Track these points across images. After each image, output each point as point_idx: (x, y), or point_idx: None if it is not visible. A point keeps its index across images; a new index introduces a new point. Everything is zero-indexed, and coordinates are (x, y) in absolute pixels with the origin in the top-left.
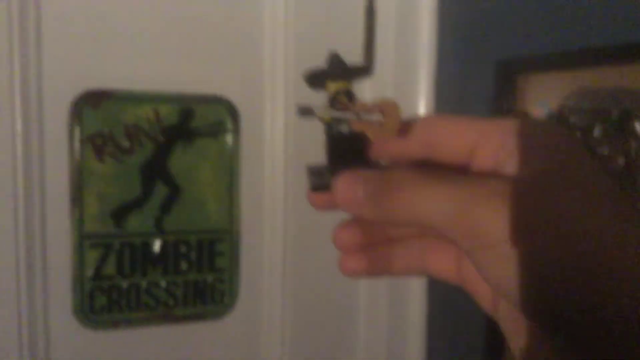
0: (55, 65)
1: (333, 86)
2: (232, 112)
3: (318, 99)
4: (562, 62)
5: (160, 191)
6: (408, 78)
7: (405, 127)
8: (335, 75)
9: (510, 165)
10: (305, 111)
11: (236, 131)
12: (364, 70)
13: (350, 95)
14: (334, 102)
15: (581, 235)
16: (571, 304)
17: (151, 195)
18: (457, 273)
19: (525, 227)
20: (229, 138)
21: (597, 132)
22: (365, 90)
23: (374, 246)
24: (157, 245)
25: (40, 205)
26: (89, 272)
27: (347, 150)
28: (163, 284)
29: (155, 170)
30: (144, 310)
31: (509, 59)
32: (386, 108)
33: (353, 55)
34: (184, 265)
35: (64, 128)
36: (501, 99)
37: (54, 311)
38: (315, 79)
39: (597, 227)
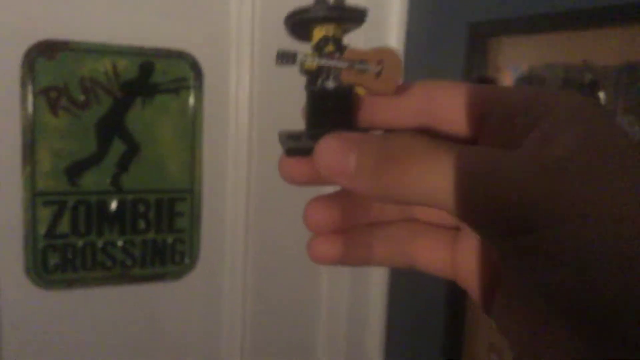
0: (7, 13)
1: (319, 32)
2: (195, 68)
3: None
4: (535, 25)
5: (118, 148)
6: (377, 39)
7: (400, 90)
8: (323, 18)
9: (529, 142)
10: (287, 57)
11: (199, 88)
12: (358, 12)
13: (339, 45)
14: (319, 50)
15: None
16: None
17: (108, 153)
18: (451, 265)
19: (568, 214)
20: (191, 95)
21: None
22: None
23: (351, 229)
24: (113, 204)
25: None
26: (42, 230)
27: (331, 111)
28: (120, 243)
29: (112, 127)
30: (100, 270)
31: (481, 22)
32: (385, 57)
33: None
34: (142, 225)
35: (16, 80)
36: (472, 62)
37: (5, 270)
38: (300, 24)
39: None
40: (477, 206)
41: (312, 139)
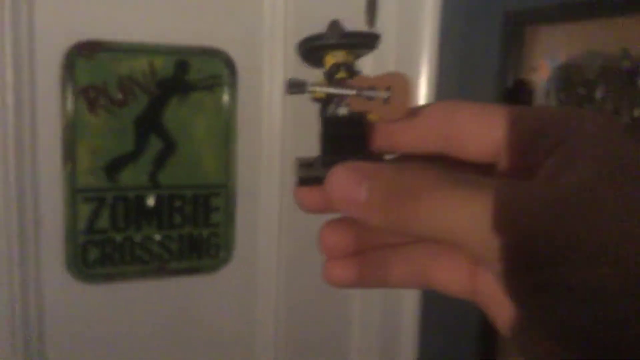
0: (47, 14)
1: (331, 58)
2: (230, 65)
3: (314, 75)
4: (572, 13)
5: (155, 145)
6: (412, 30)
7: (417, 112)
8: (334, 45)
9: (547, 168)
10: (297, 86)
11: (233, 85)
12: (370, 39)
13: (351, 70)
14: (331, 77)
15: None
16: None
17: (145, 149)
18: (470, 287)
19: (578, 250)
20: (225, 92)
21: (602, 88)
22: None
23: (367, 251)
24: (151, 199)
25: (32, 159)
26: (82, 225)
27: (345, 138)
28: (157, 237)
29: (149, 124)
30: (138, 264)
31: (517, 10)
32: (394, 83)
33: (356, 22)
34: (178, 220)
35: (57, 80)
36: (508, 52)
37: (47, 265)
38: (311, 51)
39: None
40: (487, 243)
41: (325, 166)
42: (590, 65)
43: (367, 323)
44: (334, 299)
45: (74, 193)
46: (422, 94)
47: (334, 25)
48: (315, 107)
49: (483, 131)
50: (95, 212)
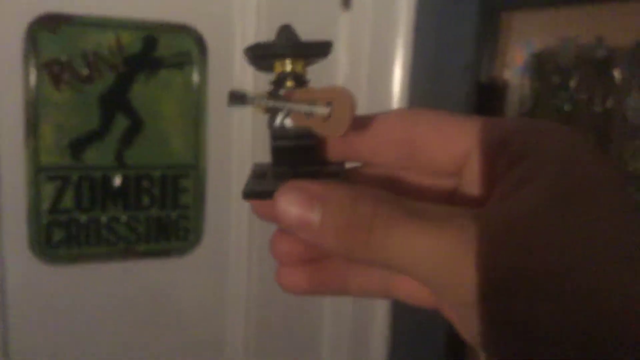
0: None
1: (279, 67)
2: (200, 42)
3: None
4: (548, 0)
5: (121, 123)
6: (386, 13)
7: (377, 120)
8: (282, 55)
9: (501, 188)
10: (237, 98)
11: (203, 63)
12: (320, 48)
13: (299, 79)
14: (278, 85)
15: (592, 298)
16: None
17: (111, 128)
18: (434, 297)
19: (521, 285)
20: (195, 70)
21: (576, 76)
22: (342, 25)
23: (323, 259)
24: (117, 180)
25: None
26: (46, 205)
27: (296, 149)
28: (124, 219)
29: (115, 101)
30: (104, 246)
31: None
32: (336, 98)
33: (331, 3)
34: (146, 201)
35: (19, 54)
36: (484, 37)
37: (9, 245)
38: (259, 58)
39: (612, 287)
40: (433, 279)
41: (275, 179)
42: (565, 53)
43: (340, 300)
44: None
45: (37, 171)
46: (397, 77)
47: (285, 31)
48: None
49: (444, 143)
50: (60, 191)
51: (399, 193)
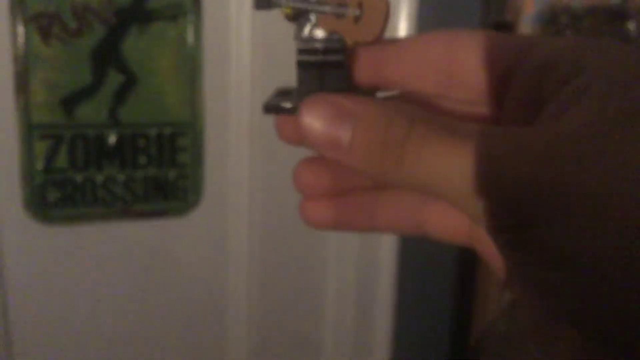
0: None
1: None
2: None
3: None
4: None
5: (114, 79)
6: None
7: (411, 42)
8: None
9: (549, 109)
10: (263, 1)
11: (197, 15)
12: None
13: None
14: None
15: None
16: None
17: (104, 83)
18: (468, 232)
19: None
20: (189, 22)
21: (588, 22)
22: None
23: (349, 191)
24: (112, 138)
25: None
26: (39, 164)
27: (323, 67)
28: (121, 178)
29: (107, 56)
30: (100, 206)
31: None
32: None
33: None
34: (142, 160)
35: (4, 7)
36: None
37: (3, 205)
38: None
39: None
40: (469, 200)
41: (300, 97)
42: (574, 7)
43: (344, 261)
44: (308, 240)
45: (29, 129)
46: (403, 27)
47: None
48: (286, 35)
49: (486, 64)
50: (53, 150)
51: None
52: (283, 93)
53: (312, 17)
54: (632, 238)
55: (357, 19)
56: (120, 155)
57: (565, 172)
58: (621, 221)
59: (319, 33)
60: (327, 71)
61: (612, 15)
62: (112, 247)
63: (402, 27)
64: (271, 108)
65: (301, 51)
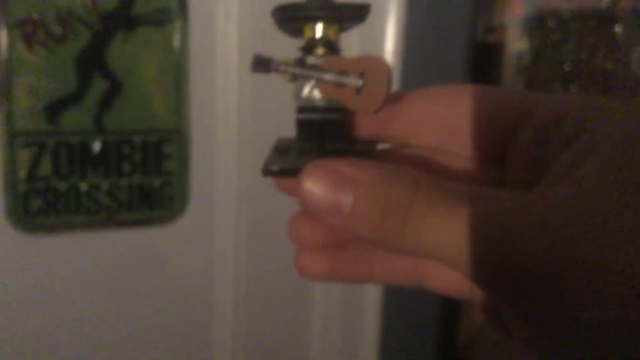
0: None
1: (310, 31)
2: None
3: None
4: None
5: (99, 85)
6: None
7: (414, 96)
8: (315, 15)
9: (553, 172)
10: (261, 64)
11: (184, 21)
12: (356, 11)
13: (331, 47)
14: (306, 52)
15: None
16: None
17: (88, 90)
18: (469, 288)
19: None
20: (175, 28)
21: (578, 29)
22: None
23: (346, 243)
24: (97, 145)
25: None
26: (22, 172)
27: (324, 124)
28: (105, 186)
29: (92, 62)
30: (84, 214)
31: None
32: (369, 68)
33: None
34: (127, 168)
35: None
36: None
37: None
38: (289, 19)
39: None
40: (475, 271)
41: (300, 155)
42: (566, 5)
43: None
44: (294, 251)
45: (12, 137)
46: (390, 32)
47: None
48: (274, 42)
49: (491, 121)
50: (36, 158)
51: (437, 176)
52: (281, 150)
53: (313, 81)
54: (633, 307)
55: (359, 90)
56: (105, 163)
57: (573, 244)
58: (622, 291)
59: (319, 93)
60: (327, 128)
61: (600, 19)
62: (97, 256)
63: (390, 31)
64: (270, 171)
65: (301, 109)
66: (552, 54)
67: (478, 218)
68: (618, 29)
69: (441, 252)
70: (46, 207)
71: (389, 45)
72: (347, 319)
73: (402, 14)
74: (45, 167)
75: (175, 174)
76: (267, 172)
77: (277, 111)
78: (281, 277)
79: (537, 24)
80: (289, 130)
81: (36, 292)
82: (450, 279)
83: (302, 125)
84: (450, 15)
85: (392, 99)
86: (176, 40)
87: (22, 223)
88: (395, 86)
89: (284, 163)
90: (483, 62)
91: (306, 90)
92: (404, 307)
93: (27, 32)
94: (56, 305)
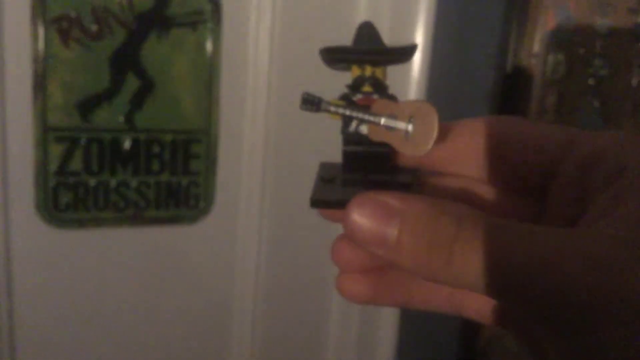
0: None
1: (357, 70)
2: (213, 1)
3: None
4: None
5: (132, 84)
6: None
7: (458, 127)
8: (362, 59)
9: (592, 210)
10: (310, 103)
11: (217, 23)
12: (406, 53)
13: (377, 85)
14: (354, 90)
15: None
16: None
17: (121, 88)
18: (507, 314)
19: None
20: (208, 30)
21: (609, 43)
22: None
23: (387, 267)
24: (127, 143)
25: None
26: (53, 167)
27: (367, 157)
28: (134, 184)
29: (126, 60)
30: (112, 210)
31: None
32: (418, 113)
33: None
34: (156, 166)
35: (27, 9)
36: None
37: (16, 207)
38: (336, 60)
39: None
40: (532, 304)
41: (345, 186)
42: (601, 21)
43: None
44: (317, 250)
45: (45, 131)
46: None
47: (366, 31)
48: (305, 45)
49: (534, 154)
50: (68, 153)
51: (476, 208)
52: (326, 179)
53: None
54: None
55: (407, 134)
56: (135, 161)
57: (622, 278)
58: None
59: (364, 130)
60: (372, 160)
61: (632, 35)
62: (123, 252)
63: (420, 33)
64: (319, 203)
65: (347, 141)
66: (581, 68)
67: (524, 254)
68: None
69: (485, 287)
70: (75, 202)
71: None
72: (365, 324)
73: (431, 18)
74: (76, 163)
75: (202, 174)
76: (315, 203)
77: (304, 116)
78: (301, 279)
79: (566, 38)
80: (318, 135)
81: (63, 286)
82: (489, 307)
83: (348, 156)
84: (481, 22)
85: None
86: (209, 43)
87: (51, 217)
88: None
89: (331, 195)
90: (513, 76)
91: (353, 125)
92: (423, 315)
93: (63, 28)
94: (81, 299)
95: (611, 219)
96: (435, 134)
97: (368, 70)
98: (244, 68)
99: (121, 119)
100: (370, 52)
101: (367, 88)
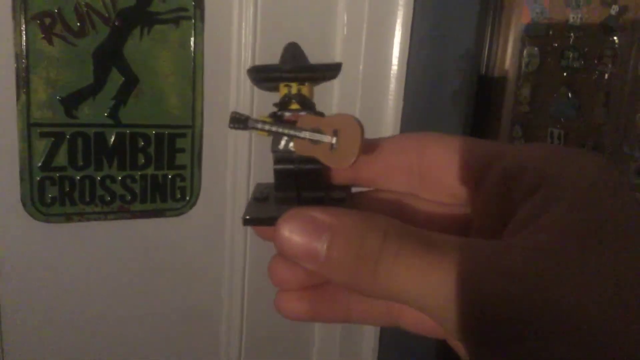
0: None
1: (284, 88)
2: None
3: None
4: None
5: (116, 80)
6: None
7: (384, 144)
8: (289, 77)
9: (514, 222)
10: (238, 121)
11: (200, 19)
12: (330, 71)
13: (305, 102)
14: (281, 108)
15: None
16: None
17: (105, 84)
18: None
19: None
20: (191, 26)
21: (576, 39)
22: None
23: (324, 285)
24: (112, 138)
25: None
26: (38, 162)
27: (300, 173)
28: (119, 177)
29: (109, 57)
30: (99, 204)
31: None
32: (342, 127)
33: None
34: (142, 160)
35: (8, 5)
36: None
37: (2, 201)
38: (264, 79)
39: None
40: (444, 316)
41: (278, 204)
42: (571, 14)
43: None
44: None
45: (29, 127)
46: (396, 42)
47: (291, 52)
48: (287, 41)
49: (457, 169)
50: (53, 148)
51: (408, 221)
52: (260, 198)
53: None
54: (598, 349)
55: (332, 147)
56: (120, 155)
57: (539, 290)
58: (591, 331)
59: (293, 147)
60: (304, 177)
61: (604, 28)
62: (109, 245)
63: (397, 34)
64: (250, 220)
65: (278, 160)
66: (555, 61)
67: (446, 268)
68: (616, 38)
69: (410, 300)
70: (61, 196)
71: (395, 51)
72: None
73: (408, 24)
74: (62, 158)
75: (188, 167)
76: (246, 221)
77: None
78: None
79: (541, 33)
80: None
81: (50, 279)
82: (425, 320)
83: (279, 174)
84: (458, 22)
85: (366, 148)
86: (192, 39)
87: (37, 211)
88: (399, 103)
89: (263, 212)
90: (487, 73)
91: (282, 143)
92: None
93: (46, 24)
94: (68, 292)
95: (533, 229)
96: (358, 146)
97: (294, 88)
98: (227, 63)
99: (106, 114)
100: (293, 70)
101: (294, 105)
